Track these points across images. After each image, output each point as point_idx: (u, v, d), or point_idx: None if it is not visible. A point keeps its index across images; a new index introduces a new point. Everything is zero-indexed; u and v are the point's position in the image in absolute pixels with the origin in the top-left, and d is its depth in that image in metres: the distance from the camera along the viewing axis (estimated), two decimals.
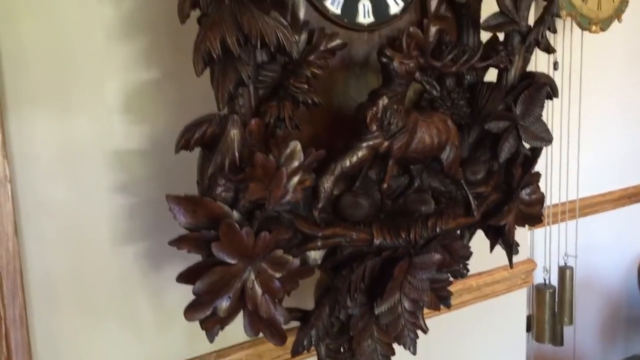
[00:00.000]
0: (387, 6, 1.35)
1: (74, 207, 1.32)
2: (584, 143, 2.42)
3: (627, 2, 2.31)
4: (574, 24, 2.18)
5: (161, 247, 1.20)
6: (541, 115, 1.45)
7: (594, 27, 2.22)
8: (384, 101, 1.20)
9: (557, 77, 2.03)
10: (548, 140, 1.46)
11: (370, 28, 1.34)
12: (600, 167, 2.70)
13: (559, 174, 2.43)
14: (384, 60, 1.19)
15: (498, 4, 1.39)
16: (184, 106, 1.33)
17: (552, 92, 1.48)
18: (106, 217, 1.35)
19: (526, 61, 1.46)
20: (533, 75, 1.46)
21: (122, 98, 1.34)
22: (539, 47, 1.46)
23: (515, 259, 1.54)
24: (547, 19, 1.42)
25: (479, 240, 1.49)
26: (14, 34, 1.22)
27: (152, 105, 1.37)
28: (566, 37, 2.23)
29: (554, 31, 1.46)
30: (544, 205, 1.55)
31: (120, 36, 1.32)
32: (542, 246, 2.41)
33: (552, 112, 2.10)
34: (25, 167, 1.25)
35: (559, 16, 1.45)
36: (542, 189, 1.53)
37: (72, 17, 1.28)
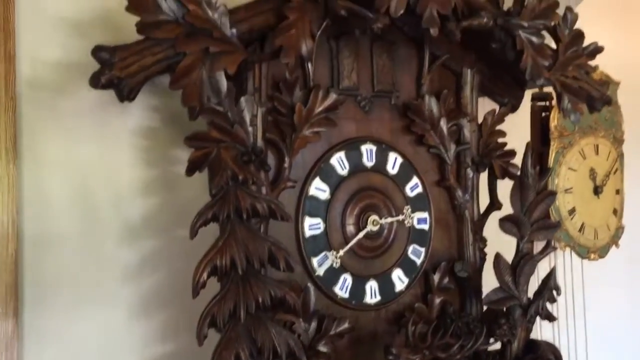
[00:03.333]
0: (393, 285, 1.43)
1: None
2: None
3: (623, 228, 2.41)
4: (573, 253, 2.26)
5: None
6: None
7: (592, 255, 2.30)
8: None
9: (560, 300, 2.07)
10: None
11: (377, 307, 1.41)
12: None
13: None
14: (391, 358, 1.24)
15: (498, 280, 1.47)
16: None
17: None
18: None
19: (528, 331, 1.51)
20: (537, 346, 1.50)
21: None
22: (540, 318, 1.51)
23: None
24: (545, 293, 1.49)
25: None
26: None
27: None
28: (566, 263, 2.30)
29: (553, 301, 1.52)
30: None
31: (140, 313, 1.39)
32: None
33: (558, 334, 2.13)
34: None
35: (557, 289, 1.52)
36: None
37: (94, 294, 1.35)
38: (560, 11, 1.50)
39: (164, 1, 0.99)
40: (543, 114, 2.25)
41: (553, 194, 1.55)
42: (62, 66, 1.32)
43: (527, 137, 2.10)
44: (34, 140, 1.28)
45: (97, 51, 0.95)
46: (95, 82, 0.95)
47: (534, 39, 1.43)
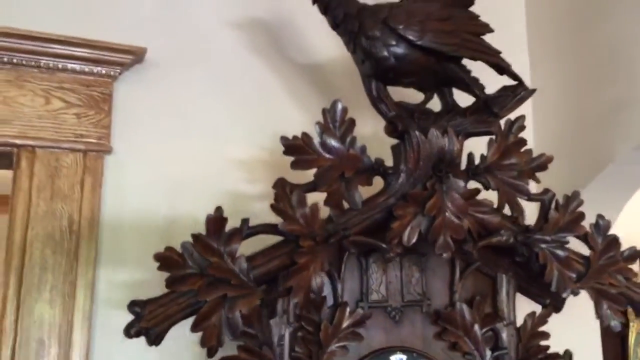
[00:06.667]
0: None
1: None
2: None
3: None
4: None
5: None
6: None
7: None
8: None
9: None
10: None
11: None
12: None
13: None
14: None
15: None
16: None
17: None
18: None
19: None
20: None
21: None
22: None
23: None
24: None
25: None
26: None
27: None
28: None
29: None
30: None
31: None
32: None
33: None
34: None
35: None
36: None
37: None
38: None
39: (191, 256, 1.21)
40: None
41: None
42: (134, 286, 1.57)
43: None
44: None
45: (131, 306, 1.17)
46: (127, 332, 1.16)
47: (559, 252, 1.48)
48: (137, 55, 1.62)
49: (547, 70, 2.03)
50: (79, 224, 1.53)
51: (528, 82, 2.08)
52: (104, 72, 1.60)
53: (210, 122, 1.76)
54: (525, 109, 2.05)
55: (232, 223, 1.32)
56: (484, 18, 1.79)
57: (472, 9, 1.55)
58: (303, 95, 1.87)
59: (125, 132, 1.65)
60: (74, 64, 1.57)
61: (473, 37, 1.37)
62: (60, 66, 1.56)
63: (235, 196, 1.74)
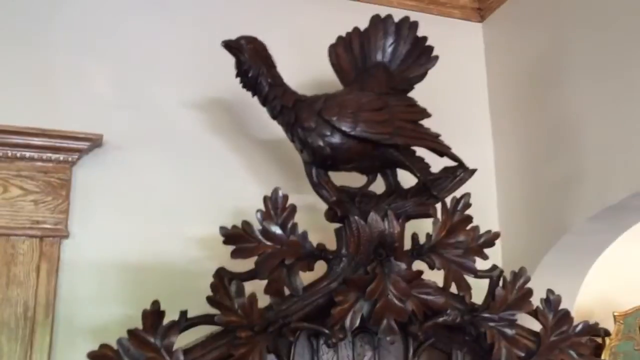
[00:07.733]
0: None
1: None
2: None
3: None
4: None
5: None
6: None
7: None
8: None
9: None
10: None
11: None
12: None
13: None
14: None
15: None
16: None
17: None
18: None
19: None
20: None
21: None
22: None
23: None
24: None
25: None
26: None
27: None
28: None
29: None
30: None
31: None
32: None
33: None
34: None
35: None
36: None
37: None
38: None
39: (127, 352, 1.22)
40: None
41: None
42: None
43: None
44: None
45: None
46: None
47: (507, 330, 1.48)
48: (93, 142, 1.67)
49: (508, 144, 2.06)
50: (34, 310, 1.56)
51: (491, 155, 2.13)
52: (61, 158, 1.65)
53: (170, 201, 1.79)
54: (488, 183, 2.10)
55: (193, 301, 1.35)
56: (447, 95, 1.85)
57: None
58: (263, 171, 1.91)
59: (83, 216, 1.69)
60: (32, 152, 1.62)
61: (408, 124, 1.40)
62: (18, 155, 1.62)
63: (195, 274, 1.76)
